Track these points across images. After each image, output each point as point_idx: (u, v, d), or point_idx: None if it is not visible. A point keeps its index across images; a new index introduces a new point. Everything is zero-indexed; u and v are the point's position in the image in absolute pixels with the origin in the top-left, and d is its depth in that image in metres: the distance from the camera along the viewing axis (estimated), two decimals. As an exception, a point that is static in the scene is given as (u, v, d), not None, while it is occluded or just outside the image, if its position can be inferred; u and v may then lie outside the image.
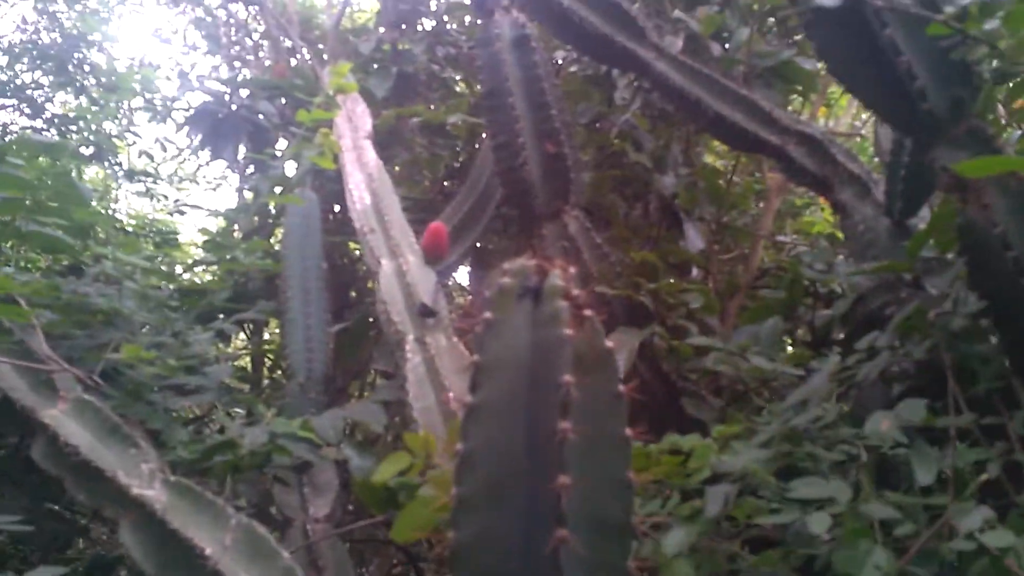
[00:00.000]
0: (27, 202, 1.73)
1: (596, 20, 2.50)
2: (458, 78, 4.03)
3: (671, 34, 2.89)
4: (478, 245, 2.66)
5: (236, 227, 3.50)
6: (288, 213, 2.49)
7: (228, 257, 2.29)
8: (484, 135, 2.88)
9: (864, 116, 3.88)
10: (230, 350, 3.28)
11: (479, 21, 2.41)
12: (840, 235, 4.01)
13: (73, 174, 2.28)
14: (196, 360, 1.97)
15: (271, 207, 3.24)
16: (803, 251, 2.66)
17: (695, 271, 3.02)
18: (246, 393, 2.27)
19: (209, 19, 5.08)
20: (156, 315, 1.92)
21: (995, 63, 1.07)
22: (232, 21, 4.99)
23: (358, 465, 1.78)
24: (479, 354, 0.75)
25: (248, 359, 3.43)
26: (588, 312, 0.73)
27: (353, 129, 2.60)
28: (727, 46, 3.01)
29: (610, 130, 2.87)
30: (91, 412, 1.50)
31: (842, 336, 2.10)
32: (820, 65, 3.57)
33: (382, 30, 3.90)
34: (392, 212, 2.27)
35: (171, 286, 2.39)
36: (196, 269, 3.36)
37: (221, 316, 2.23)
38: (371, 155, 2.51)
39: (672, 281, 2.32)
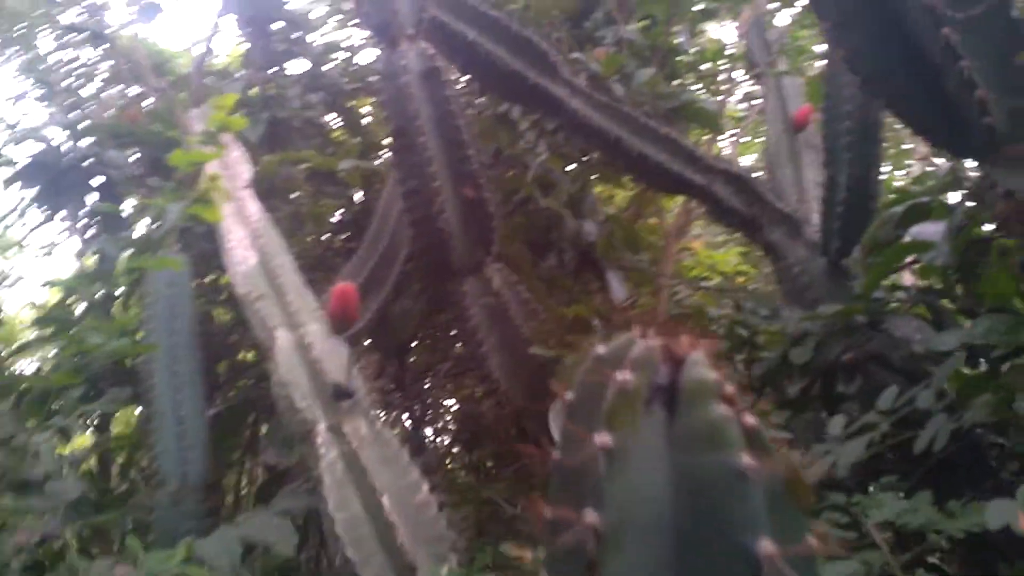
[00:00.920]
0: None
1: (504, 55, 2.29)
2: (336, 124, 3.71)
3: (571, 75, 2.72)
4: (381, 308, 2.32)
5: (73, 299, 2.96)
6: (150, 280, 2.06)
7: (71, 338, 1.82)
8: (383, 182, 2.57)
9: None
10: (67, 452, 2.72)
11: (381, 51, 2.12)
12: (739, 275, 4.00)
13: None
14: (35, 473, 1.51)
15: (122, 274, 2.76)
16: (740, 297, 2.51)
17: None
18: (102, 512, 1.79)
19: (43, 65, 4.47)
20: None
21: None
22: (69, 66, 4.42)
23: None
24: (597, 509, 0.45)
25: (93, 459, 2.86)
26: (752, 420, 0.45)
27: (230, 177, 2.21)
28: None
29: (517, 174, 2.65)
30: None
31: (800, 387, 1.93)
32: (722, 105, 3.57)
33: (247, 73, 3.53)
34: (285, 273, 1.91)
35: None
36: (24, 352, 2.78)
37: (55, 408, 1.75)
38: (253, 207, 2.13)
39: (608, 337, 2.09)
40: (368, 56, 3.74)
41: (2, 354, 2.42)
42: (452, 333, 3.32)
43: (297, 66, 3.64)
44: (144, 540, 1.81)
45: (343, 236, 2.94)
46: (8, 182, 2.97)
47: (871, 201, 1.91)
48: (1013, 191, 0.97)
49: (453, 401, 3.86)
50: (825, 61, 2.02)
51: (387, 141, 2.39)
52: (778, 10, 3.40)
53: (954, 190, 1.85)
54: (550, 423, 1.72)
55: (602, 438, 0.46)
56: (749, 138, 4.40)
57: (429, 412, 3.63)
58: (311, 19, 3.89)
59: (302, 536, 1.77)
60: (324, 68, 3.55)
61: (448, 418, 3.94)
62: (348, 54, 3.71)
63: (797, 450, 1.29)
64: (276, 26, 3.61)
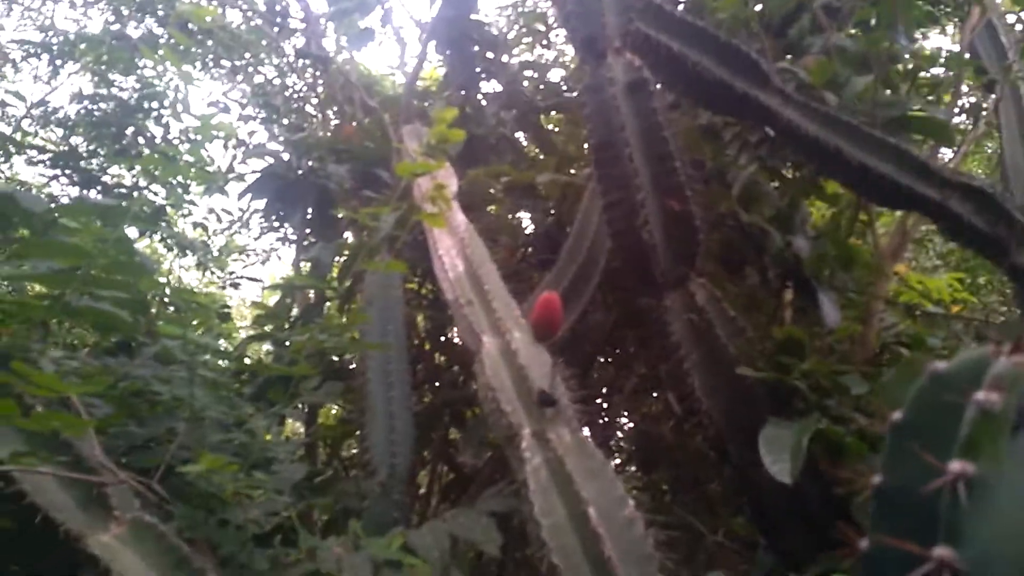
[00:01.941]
0: (80, 272, 1.45)
1: (711, 64, 2.23)
2: (528, 140, 3.80)
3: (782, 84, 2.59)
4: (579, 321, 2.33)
5: (290, 300, 3.23)
6: (367, 284, 2.20)
7: (309, 335, 1.98)
8: (579, 196, 2.59)
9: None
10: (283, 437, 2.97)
11: (586, 64, 2.14)
12: (955, 303, 3.62)
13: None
14: (264, 456, 1.65)
15: (337, 277, 2.98)
16: (977, 326, 2.27)
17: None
18: (322, 497, 1.92)
19: (268, 87, 4.98)
20: (224, 404, 1.61)
21: None
22: (290, 90, 4.88)
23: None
24: (953, 545, 0.40)
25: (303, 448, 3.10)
26: None
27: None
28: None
29: (720, 187, 2.56)
30: (152, 538, 1.18)
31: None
32: (951, 115, 3.27)
33: (448, 93, 3.72)
34: (491, 281, 1.97)
35: (228, 366, 2.09)
36: (251, 347, 3.07)
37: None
38: (460, 217, 2.22)
39: (825, 361, 1.95)
40: (558, 74, 3.82)
41: (241, 342, 2.68)
42: (634, 351, 3.27)
43: (493, 85, 3.78)
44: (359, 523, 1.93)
45: (535, 249, 2.99)
46: (241, 194, 3.32)
47: None
48: None
49: (628, 420, 3.80)
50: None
51: (590, 154, 2.40)
52: (1018, 9, 3.06)
53: None
54: (760, 449, 1.62)
55: (961, 465, 0.40)
56: (971, 152, 3.99)
57: (607, 429, 3.59)
58: (506, 40, 4.03)
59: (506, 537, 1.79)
60: (518, 87, 3.65)
61: (622, 437, 3.88)
62: (539, 73, 3.80)
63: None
64: (474, 48, 3.77)
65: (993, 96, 3.01)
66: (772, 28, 3.21)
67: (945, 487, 0.40)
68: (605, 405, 3.53)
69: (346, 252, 2.92)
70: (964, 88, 3.34)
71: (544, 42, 4.24)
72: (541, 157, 3.41)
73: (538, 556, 1.40)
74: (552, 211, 2.91)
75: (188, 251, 4.12)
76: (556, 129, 3.86)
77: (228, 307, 3.75)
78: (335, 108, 4.07)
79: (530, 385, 1.67)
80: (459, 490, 2.82)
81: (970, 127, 3.47)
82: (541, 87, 3.70)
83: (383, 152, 3.01)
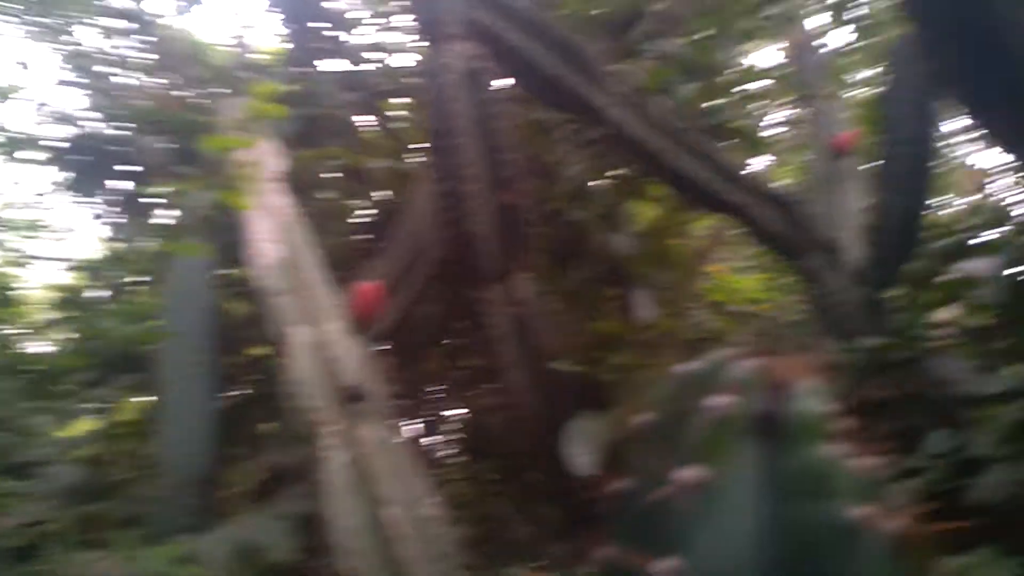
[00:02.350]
0: None
1: (549, 60, 2.24)
2: (369, 125, 3.69)
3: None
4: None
5: (95, 283, 2.94)
6: (172, 268, 2.03)
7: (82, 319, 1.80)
8: (414, 183, 2.52)
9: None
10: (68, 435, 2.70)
11: (426, 49, 2.08)
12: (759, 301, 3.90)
13: None
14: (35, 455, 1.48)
15: (147, 259, 2.74)
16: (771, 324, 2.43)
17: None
18: (99, 499, 1.75)
19: (83, 49, 4.51)
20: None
21: None
22: (109, 53, 4.45)
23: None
24: (681, 554, 0.38)
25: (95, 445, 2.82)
26: (867, 463, 0.38)
27: (261, 169, 2.18)
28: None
29: (551, 183, 2.59)
30: None
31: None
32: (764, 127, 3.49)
33: (286, 69, 3.52)
34: (309, 269, 1.87)
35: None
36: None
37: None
38: (283, 200, 2.10)
39: (636, 355, 2.02)
40: (405, 59, 3.73)
41: (13, 333, 2.40)
42: (468, 342, 3.26)
43: (335, 65, 3.63)
44: (140, 531, 1.78)
45: (370, 236, 2.90)
46: (45, 164, 2.98)
47: (918, 233, 1.83)
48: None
49: (463, 410, 3.80)
50: (883, 84, 1.94)
51: (420, 143, 2.35)
52: (828, 32, 3.31)
53: (1002, 226, 1.76)
54: (567, 441, 1.65)
55: (692, 472, 0.39)
56: (784, 163, 4.30)
57: (437, 420, 3.56)
58: (352, 19, 3.88)
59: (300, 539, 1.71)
60: (361, 68, 3.53)
61: (456, 427, 3.88)
62: (386, 56, 3.69)
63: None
64: (316, 25, 3.59)
65: (806, 111, 3.25)
66: (613, 30, 3.30)
67: (676, 493, 0.39)
68: (437, 395, 3.50)
69: (158, 233, 2.69)
70: (780, 101, 3.59)
71: (391, 25, 4.13)
72: (386, 143, 3.31)
73: (334, 560, 1.34)
74: (388, 198, 2.83)
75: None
76: (400, 115, 3.77)
77: (10, 289, 3.36)
78: (160, 76, 3.75)
79: (340, 379, 1.60)
80: (276, 490, 2.69)
81: (784, 138, 3.74)
82: (385, 71, 3.59)
83: (206, 126, 2.80)
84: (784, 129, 3.75)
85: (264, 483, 2.67)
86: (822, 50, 3.22)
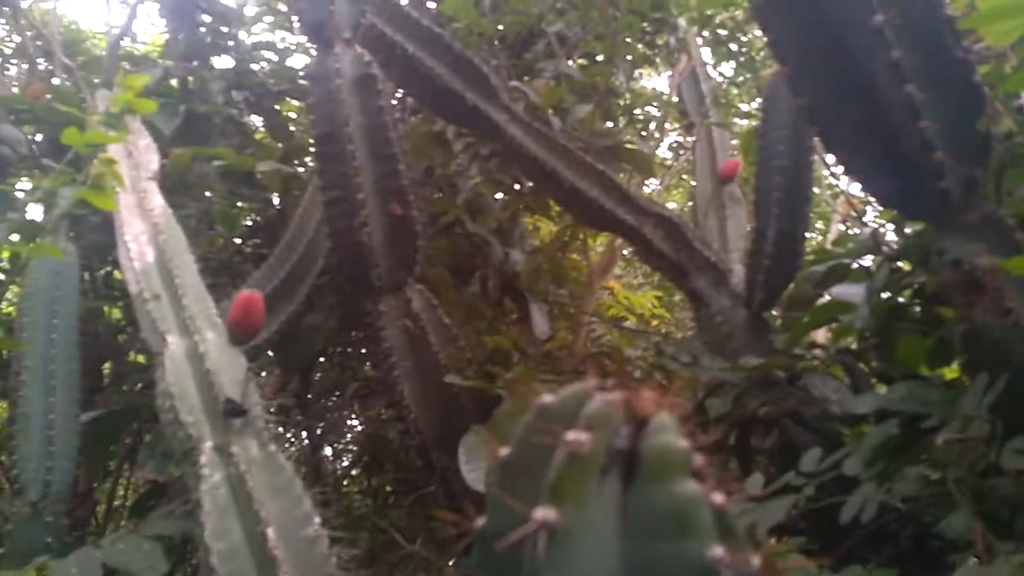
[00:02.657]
0: None
1: (443, 72, 2.23)
2: (259, 126, 3.55)
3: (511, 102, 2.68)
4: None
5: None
6: (32, 269, 1.86)
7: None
8: (303, 189, 2.44)
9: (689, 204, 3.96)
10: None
11: (313, 52, 2.02)
12: (653, 318, 4.03)
13: None
14: None
15: (4, 259, 2.51)
16: (659, 341, 2.50)
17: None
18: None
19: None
20: None
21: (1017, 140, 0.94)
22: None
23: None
24: None
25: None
26: (721, 500, 0.37)
27: (135, 167, 2.04)
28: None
29: (446, 195, 2.57)
30: None
31: (714, 439, 1.91)
32: (657, 151, 3.61)
33: (169, 63, 3.34)
34: (185, 275, 1.76)
35: None
36: None
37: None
38: (157, 200, 1.97)
39: (529, 370, 2.03)
40: (298, 60, 3.62)
41: None
42: (362, 352, 3.19)
43: (222, 62, 3.47)
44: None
45: (255, 241, 2.78)
46: None
47: (796, 257, 1.93)
48: (960, 260, 0.97)
49: (356, 423, 3.70)
50: (761, 115, 2.05)
51: (311, 147, 2.28)
52: (715, 64, 3.48)
53: (875, 254, 1.89)
54: (459, 457, 1.62)
55: (545, 513, 0.37)
56: (672, 187, 4.48)
57: (330, 433, 3.46)
58: (241, 15, 3.73)
59: (175, 562, 1.60)
60: (251, 67, 3.39)
61: (349, 440, 3.77)
62: (277, 55, 3.57)
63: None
64: (203, 18, 3.43)
65: (691, 137, 3.39)
66: (511, 48, 3.33)
67: (529, 536, 0.37)
68: (327, 408, 3.40)
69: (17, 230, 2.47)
70: (669, 127, 3.73)
71: (286, 24, 4.00)
72: (275, 145, 3.19)
73: (206, 584, 1.25)
74: (274, 202, 2.73)
75: None
76: (294, 117, 3.65)
77: None
78: (25, 62, 3.47)
79: (217, 392, 1.51)
80: (152, 505, 2.52)
81: (673, 162, 3.89)
82: (278, 71, 3.47)
83: (76, 118, 2.61)
84: (673, 154, 3.91)
85: (135, 502, 2.49)
86: (709, 80, 3.37)
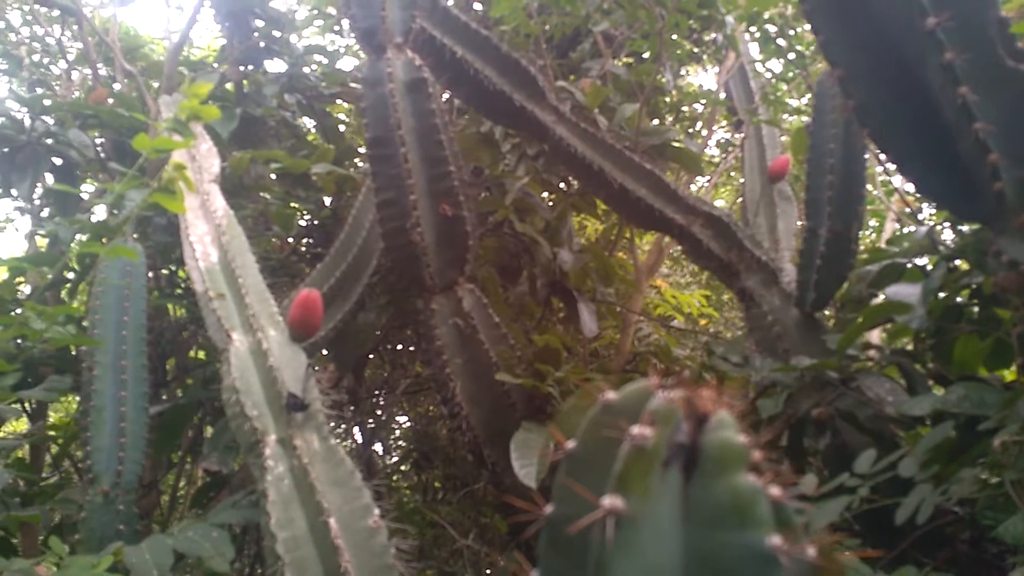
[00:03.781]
0: None
1: (492, 74, 2.27)
2: (311, 127, 3.64)
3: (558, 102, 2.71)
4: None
5: (20, 280, 2.81)
6: (103, 268, 1.95)
7: (10, 320, 1.71)
8: (357, 190, 2.50)
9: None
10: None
11: (366, 57, 2.07)
12: (702, 317, 4.01)
13: None
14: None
15: (74, 259, 2.63)
16: (709, 341, 2.49)
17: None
18: (29, 504, 1.67)
19: (11, 36, 4.31)
20: None
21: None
22: (38, 42, 4.27)
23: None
24: None
25: (26, 447, 2.70)
26: (778, 492, 0.40)
27: (197, 170, 2.13)
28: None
29: (495, 195, 2.60)
30: None
31: (766, 439, 1.91)
32: (706, 149, 3.59)
33: (224, 68, 3.44)
34: (248, 274, 1.83)
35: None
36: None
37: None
38: (219, 202, 2.05)
39: (578, 368, 2.05)
40: (349, 63, 3.69)
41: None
42: (411, 350, 3.25)
43: (276, 66, 3.57)
44: (71, 538, 1.70)
45: (309, 241, 2.86)
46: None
47: (849, 257, 1.91)
48: (1017, 262, 0.96)
49: (406, 419, 3.77)
50: (811, 112, 2.03)
51: (365, 149, 2.33)
52: (763, 60, 3.44)
53: (930, 253, 1.86)
54: (511, 454, 1.66)
55: (613, 500, 0.40)
56: (721, 185, 4.44)
57: (381, 429, 3.53)
58: (293, 20, 3.82)
59: (239, 550, 1.67)
60: (304, 70, 3.48)
61: (398, 436, 3.85)
62: (328, 59, 3.65)
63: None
64: (257, 23, 3.53)
65: (740, 134, 3.36)
66: (557, 48, 3.35)
67: (596, 522, 0.40)
68: (381, 404, 3.47)
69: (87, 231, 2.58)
70: (718, 124, 3.71)
71: (336, 28, 4.09)
72: (328, 147, 3.27)
73: (271, 572, 1.31)
74: (328, 204, 2.80)
75: None
76: (344, 119, 3.73)
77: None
78: (89, 69, 3.61)
79: (280, 388, 1.57)
80: (214, 496, 2.62)
81: (721, 160, 3.86)
82: (329, 74, 3.55)
83: (139, 123, 2.71)
84: (721, 151, 3.88)
85: (197, 492, 2.59)
86: (757, 77, 3.34)
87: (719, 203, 4.17)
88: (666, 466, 0.41)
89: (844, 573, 0.40)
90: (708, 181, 3.76)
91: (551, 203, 2.64)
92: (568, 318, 2.61)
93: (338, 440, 1.54)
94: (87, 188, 3.19)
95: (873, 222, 4.08)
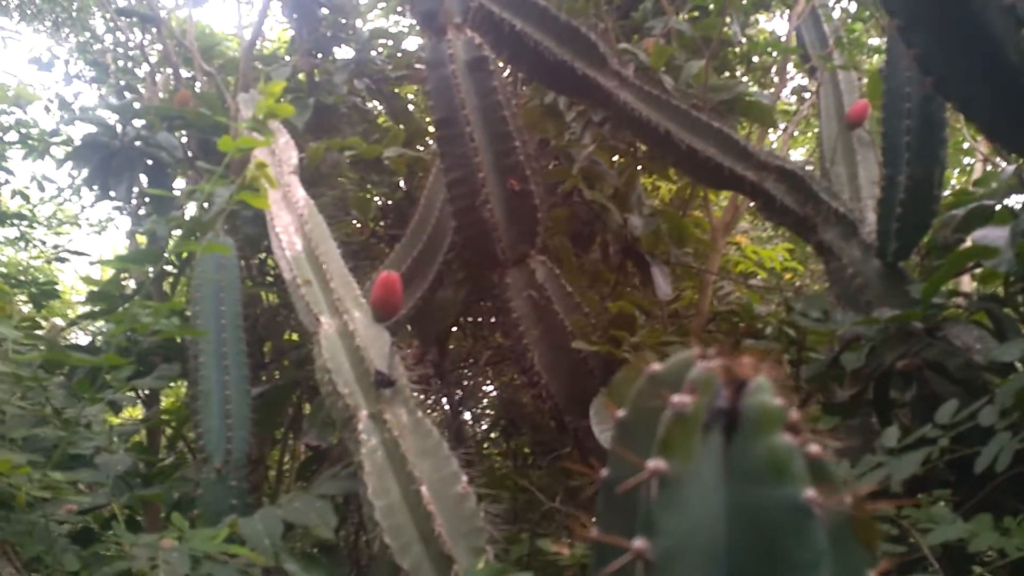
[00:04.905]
0: None
1: (552, 45, 2.27)
2: (381, 110, 3.72)
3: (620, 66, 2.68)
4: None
5: (125, 276, 3.03)
6: (199, 262, 2.09)
7: (121, 316, 1.86)
8: (428, 170, 2.57)
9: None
10: (117, 424, 2.80)
11: (427, 39, 2.11)
12: (785, 271, 3.92)
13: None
14: (85, 446, 1.55)
15: (173, 253, 2.81)
16: (789, 297, 2.46)
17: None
18: (150, 485, 1.83)
19: (96, 45, 4.57)
20: (35, 397, 1.49)
21: None
22: (122, 48, 4.51)
23: (304, 585, 1.39)
24: (648, 537, 0.43)
25: (143, 431, 2.93)
26: (816, 450, 0.42)
27: (277, 163, 2.23)
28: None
29: (562, 165, 2.62)
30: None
31: (851, 393, 1.88)
32: (779, 99, 3.49)
33: (295, 58, 3.56)
34: (331, 260, 1.92)
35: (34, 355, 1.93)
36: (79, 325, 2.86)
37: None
38: (300, 193, 2.15)
39: (654, 332, 2.06)
40: (414, 43, 3.75)
41: (58, 327, 2.48)
42: (493, 321, 3.33)
43: (344, 52, 3.66)
44: (190, 514, 1.86)
45: (387, 223, 2.95)
46: (62, 161, 3.05)
47: (932, 203, 1.85)
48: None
49: (492, 388, 3.87)
50: (884, 56, 1.95)
51: (432, 130, 2.39)
52: (835, 2, 3.30)
53: (1018, 193, 1.78)
54: (591, 419, 1.70)
55: (656, 463, 0.44)
56: (799, 133, 4.29)
57: (468, 399, 3.64)
58: (357, 5, 3.90)
59: (341, 518, 1.78)
60: (370, 55, 3.55)
61: (486, 405, 3.95)
62: (392, 41, 3.72)
63: (845, 460, 1.26)
64: (322, 12, 3.62)
65: (816, 82, 3.24)
66: (618, 9, 3.30)
67: (643, 483, 0.44)
68: (465, 376, 3.58)
69: (181, 228, 2.75)
70: (791, 72, 3.58)
71: (399, 9, 4.15)
72: (399, 129, 3.35)
73: (371, 537, 1.41)
74: (401, 185, 2.88)
75: (7, 223, 3.76)
76: (412, 100, 3.80)
77: (53, 284, 3.46)
78: (170, 71, 3.80)
79: (368, 366, 1.66)
80: (315, 470, 2.79)
81: (797, 108, 3.73)
82: (395, 56, 3.62)
83: (222, 123, 2.86)
84: (795, 101, 3.75)
85: (300, 466, 2.76)
86: (830, 19, 3.20)
87: (798, 152, 4.05)
88: (707, 430, 0.44)
89: (876, 529, 0.43)
90: (784, 131, 3.65)
91: (619, 168, 2.64)
92: (643, 282, 2.62)
93: (426, 412, 1.62)
94: (178, 184, 3.39)
95: (967, 160, 3.88)
